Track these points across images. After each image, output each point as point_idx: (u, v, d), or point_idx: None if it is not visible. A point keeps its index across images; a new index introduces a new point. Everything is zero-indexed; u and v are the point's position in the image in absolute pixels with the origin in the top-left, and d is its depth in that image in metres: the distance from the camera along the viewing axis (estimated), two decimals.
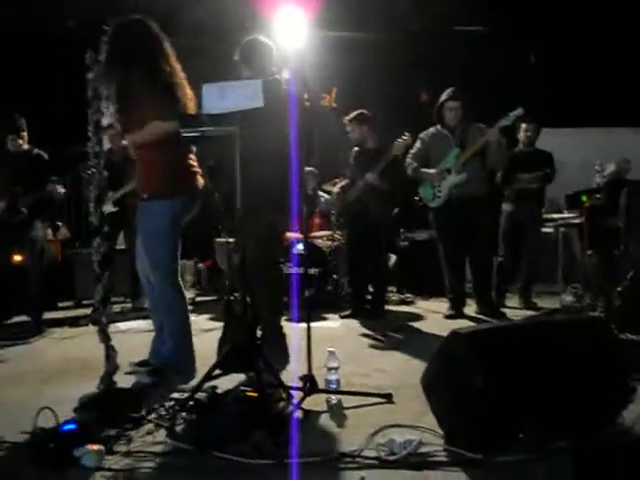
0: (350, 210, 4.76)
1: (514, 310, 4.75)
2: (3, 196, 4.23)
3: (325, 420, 2.26)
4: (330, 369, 2.49)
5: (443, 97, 4.50)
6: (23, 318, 4.49)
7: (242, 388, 2.42)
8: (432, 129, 4.59)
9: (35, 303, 4.40)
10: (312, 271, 4.95)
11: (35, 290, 4.37)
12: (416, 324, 4.36)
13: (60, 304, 5.17)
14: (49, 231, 5.43)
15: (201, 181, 2.81)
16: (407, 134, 4.43)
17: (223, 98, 2.03)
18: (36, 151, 4.41)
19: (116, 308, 4.82)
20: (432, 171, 4.45)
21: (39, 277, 4.40)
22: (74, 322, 4.35)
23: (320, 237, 5.61)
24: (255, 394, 2.19)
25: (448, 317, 4.47)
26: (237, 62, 3.07)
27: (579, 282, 4.63)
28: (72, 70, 2.69)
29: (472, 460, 1.80)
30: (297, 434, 2.06)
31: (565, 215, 5.12)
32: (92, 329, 3.99)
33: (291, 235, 4.89)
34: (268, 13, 5.99)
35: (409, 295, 5.49)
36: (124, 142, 2.82)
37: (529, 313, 4.62)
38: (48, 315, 4.61)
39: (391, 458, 1.85)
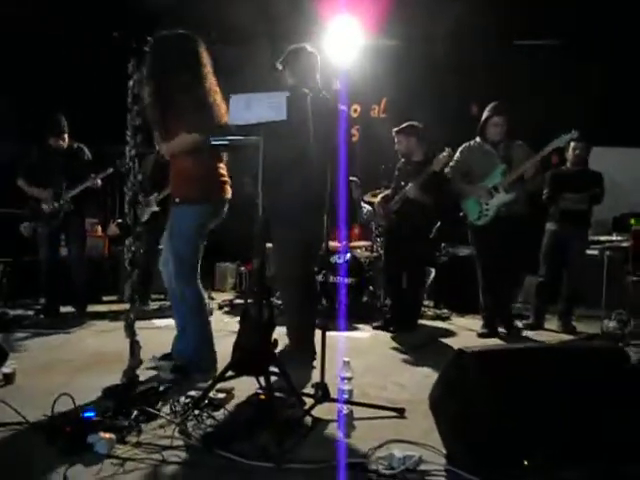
0: (390, 221, 4.74)
1: (551, 333, 4.60)
2: (48, 190, 4.50)
3: (333, 429, 2.28)
4: (343, 379, 2.51)
5: (487, 112, 4.42)
6: (69, 309, 4.73)
7: (257, 391, 2.48)
8: (473, 142, 4.51)
9: (79, 295, 4.64)
10: (349, 281, 4.97)
11: (79, 283, 4.62)
12: (447, 340, 4.30)
13: (105, 298, 5.40)
14: (99, 227, 5.75)
15: (229, 190, 2.92)
16: (447, 149, 4.38)
17: (248, 109, 2.11)
18: (77, 145, 4.67)
19: (154, 305, 4.98)
20: (478, 186, 4.38)
21: (82, 270, 4.65)
22: (115, 316, 4.53)
23: (359, 247, 5.64)
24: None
25: (481, 335, 4.38)
26: (280, 69, 3.14)
27: (624, 308, 4.46)
28: (118, 74, 2.83)
29: None
30: (302, 440, 2.10)
31: (612, 238, 4.92)
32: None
33: (335, 244, 4.97)
34: (324, 21, 6.15)
35: (445, 311, 5.43)
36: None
37: (566, 337, 4.46)
38: (93, 308, 4.86)
39: (388, 472, 1.85)
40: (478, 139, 4.47)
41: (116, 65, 2.95)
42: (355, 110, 7.18)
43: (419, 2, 6.22)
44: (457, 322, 5.10)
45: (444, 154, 4.33)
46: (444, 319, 5.20)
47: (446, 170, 4.51)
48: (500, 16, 6.14)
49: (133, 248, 2.56)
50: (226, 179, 2.94)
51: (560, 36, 6.58)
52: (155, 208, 4.52)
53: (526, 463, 1.84)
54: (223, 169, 2.94)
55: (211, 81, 2.85)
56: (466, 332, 4.62)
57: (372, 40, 6.78)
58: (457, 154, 4.50)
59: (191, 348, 2.86)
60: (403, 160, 4.71)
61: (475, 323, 4.80)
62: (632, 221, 4.26)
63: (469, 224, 4.51)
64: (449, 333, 4.61)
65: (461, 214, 4.61)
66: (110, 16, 5.19)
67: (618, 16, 5.94)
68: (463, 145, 4.54)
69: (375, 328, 4.56)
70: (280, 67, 3.22)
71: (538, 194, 4.70)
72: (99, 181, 4.53)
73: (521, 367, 1.91)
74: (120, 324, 4.33)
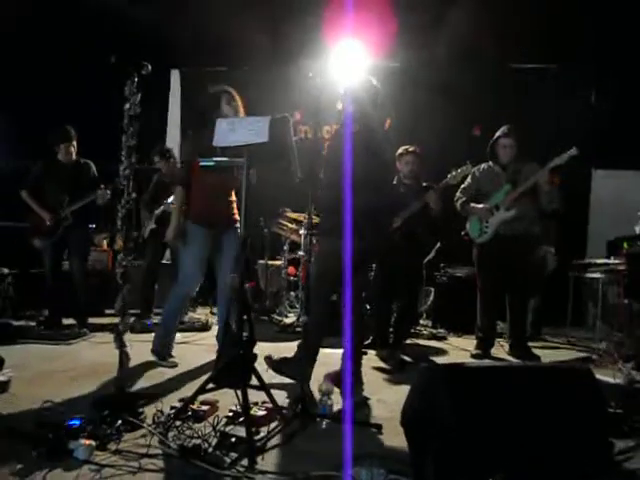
0: (392, 240, 4.74)
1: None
2: (50, 204, 4.65)
3: (309, 443, 2.34)
4: (324, 394, 2.58)
5: (497, 134, 4.50)
6: (71, 321, 4.84)
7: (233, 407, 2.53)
8: (484, 165, 4.58)
9: (80, 308, 4.76)
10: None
11: (81, 295, 4.74)
12: (437, 359, 4.33)
13: (108, 311, 5.52)
14: (104, 241, 5.89)
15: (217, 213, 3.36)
16: (468, 162, 4.43)
17: (233, 132, 2.22)
18: (83, 161, 4.83)
19: (155, 319, 5.08)
20: (481, 206, 4.46)
21: (84, 283, 4.77)
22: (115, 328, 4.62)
23: None
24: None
25: (475, 356, 4.41)
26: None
27: (619, 330, 4.47)
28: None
29: None
30: (277, 453, 2.17)
31: (610, 261, 4.94)
32: (131, 336, 4.29)
33: None
34: (329, 43, 6.31)
35: (442, 330, 5.46)
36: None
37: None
38: (95, 320, 4.97)
39: None
40: (490, 162, 4.54)
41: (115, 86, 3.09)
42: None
43: (422, 27, 6.38)
44: (453, 342, 5.14)
45: (463, 168, 4.40)
46: (440, 339, 5.23)
47: (457, 193, 4.60)
48: (500, 39, 6.27)
49: (124, 263, 2.67)
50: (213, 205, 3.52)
51: (558, 59, 6.67)
52: (153, 225, 4.64)
53: None
54: (214, 197, 3.48)
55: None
56: (460, 352, 4.65)
57: (376, 62, 6.93)
58: (468, 177, 4.58)
59: None
60: (407, 181, 4.70)
61: (470, 343, 4.81)
62: (625, 244, 4.29)
63: (473, 243, 4.58)
64: (442, 352, 4.64)
65: (463, 233, 4.67)
66: (110, 39, 5.43)
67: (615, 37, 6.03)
68: (474, 168, 4.58)
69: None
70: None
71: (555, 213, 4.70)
72: (108, 194, 4.63)
73: (486, 385, 1.96)
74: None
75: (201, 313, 5.90)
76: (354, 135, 2.95)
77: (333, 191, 2.91)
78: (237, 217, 3.65)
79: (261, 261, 6.30)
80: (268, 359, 3.22)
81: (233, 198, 3.68)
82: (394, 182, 4.65)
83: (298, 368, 2.94)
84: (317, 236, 3.50)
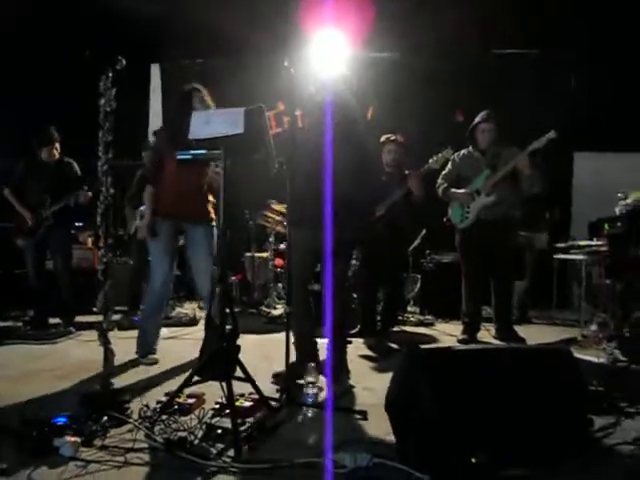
0: (374, 228, 4.74)
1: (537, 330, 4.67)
2: (32, 203, 4.61)
3: (295, 432, 2.36)
4: (308, 383, 2.60)
5: (477, 119, 4.52)
6: (57, 320, 4.82)
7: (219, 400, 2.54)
8: (464, 151, 4.60)
9: (65, 306, 4.73)
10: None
11: (65, 294, 4.71)
12: (426, 345, 4.34)
13: (95, 309, 5.48)
14: (89, 239, 5.86)
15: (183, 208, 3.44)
16: (449, 147, 4.45)
17: (208, 125, 2.21)
18: (67, 160, 4.78)
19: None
20: (461, 191, 4.49)
21: (68, 281, 4.74)
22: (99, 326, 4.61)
23: None
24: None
25: (461, 341, 4.45)
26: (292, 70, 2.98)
27: (604, 311, 4.53)
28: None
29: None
30: (263, 442, 2.19)
31: (592, 243, 4.99)
32: (117, 333, 4.29)
33: None
34: (310, 33, 6.29)
35: (429, 317, 5.50)
36: None
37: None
38: (82, 319, 4.94)
39: (341, 471, 1.93)
40: (470, 147, 4.56)
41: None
42: None
43: (402, 15, 6.36)
44: (440, 328, 5.18)
45: (444, 152, 4.42)
46: (427, 325, 5.27)
47: (438, 180, 4.62)
48: (481, 25, 6.28)
49: (105, 260, 2.66)
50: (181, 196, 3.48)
51: (539, 45, 6.70)
52: (138, 222, 4.61)
53: (473, 461, 1.92)
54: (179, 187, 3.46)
55: None
56: (447, 337, 4.69)
57: (357, 51, 6.93)
58: (449, 163, 4.59)
59: None
60: (389, 169, 4.70)
61: (457, 329, 4.85)
62: (606, 225, 4.34)
63: (455, 228, 4.60)
64: (429, 339, 4.68)
65: (445, 219, 4.69)
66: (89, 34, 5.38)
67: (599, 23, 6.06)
68: (455, 154, 4.61)
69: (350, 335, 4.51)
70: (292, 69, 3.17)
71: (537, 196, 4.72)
72: (90, 195, 4.60)
73: (467, 367, 1.99)
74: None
75: (188, 308, 5.89)
76: (334, 126, 2.94)
77: (303, 182, 2.91)
78: (212, 215, 3.61)
79: (248, 254, 6.30)
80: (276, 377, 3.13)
81: (209, 197, 3.64)
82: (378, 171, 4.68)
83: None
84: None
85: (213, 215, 3.63)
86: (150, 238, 3.49)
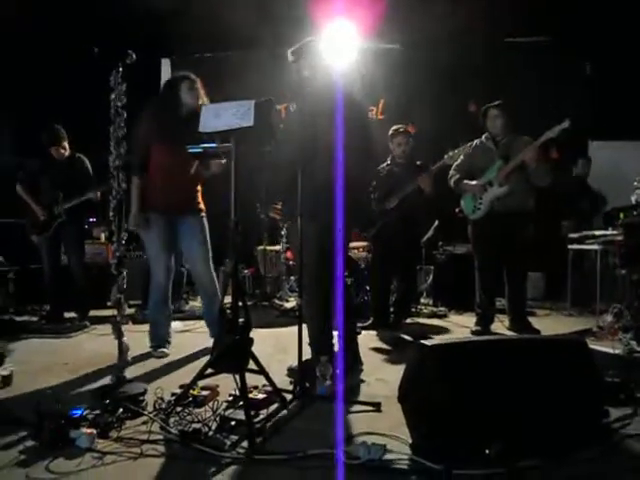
0: (388, 220, 4.69)
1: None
2: (45, 200, 4.66)
3: (309, 423, 2.36)
4: (322, 375, 2.60)
5: (486, 105, 4.50)
6: (72, 314, 4.87)
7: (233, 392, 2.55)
8: (477, 141, 4.56)
9: (80, 301, 4.78)
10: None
11: (80, 289, 4.77)
12: (439, 337, 4.34)
13: (109, 303, 5.53)
14: (102, 234, 5.91)
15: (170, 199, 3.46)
16: (467, 144, 4.46)
17: (217, 118, 2.21)
18: (77, 156, 4.82)
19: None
20: (474, 182, 4.45)
21: (82, 276, 4.79)
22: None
23: (356, 248, 5.72)
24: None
25: (474, 333, 4.43)
26: (293, 60, 2.95)
27: (619, 301, 4.47)
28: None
29: (431, 470, 1.86)
30: (277, 434, 2.20)
31: (607, 232, 4.92)
32: (131, 327, 4.32)
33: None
34: (322, 24, 6.24)
35: (442, 308, 5.48)
36: None
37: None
38: (96, 313, 4.99)
39: (354, 462, 1.93)
40: (483, 137, 4.53)
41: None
42: None
43: (414, 6, 6.29)
44: (453, 319, 5.16)
45: (460, 149, 4.43)
46: (441, 317, 5.25)
47: (451, 171, 4.59)
48: (493, 14, 6.19)
49: (118, 254, 2.68)
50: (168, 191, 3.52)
51: (552, 33, 6.60)
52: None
53: (487, 452, 1.91)
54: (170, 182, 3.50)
55: None
56: (460, 329, 4.67)
57: (369, 43, 6.88)
58: (462, 155, 4.56)
59: None
60: (400, 161, 4.67)
61: (471, 320, 4.83)
62: (621, 215, 4.27)
63: (468, 220, 4.57)
64: (443, 330, 4.66)
65: (457, 210, 4.66)
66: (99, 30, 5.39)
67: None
68: (468, 144, 4.56)
69: (363, 328, 4.43)
70: (292, 58, 3.12)
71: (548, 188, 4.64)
72: (99, 193, 4.66)
73: (480, 359, 1.98)
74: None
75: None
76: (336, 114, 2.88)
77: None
78: (201, 206, 3.61)
79: (260, 247, 6.32)
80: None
81: (197, 187, 3.63)
82: (380, 168, 4.65)
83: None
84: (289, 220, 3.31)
85: (202, 206, 3.63)
86: (139, 230, 3.52)
